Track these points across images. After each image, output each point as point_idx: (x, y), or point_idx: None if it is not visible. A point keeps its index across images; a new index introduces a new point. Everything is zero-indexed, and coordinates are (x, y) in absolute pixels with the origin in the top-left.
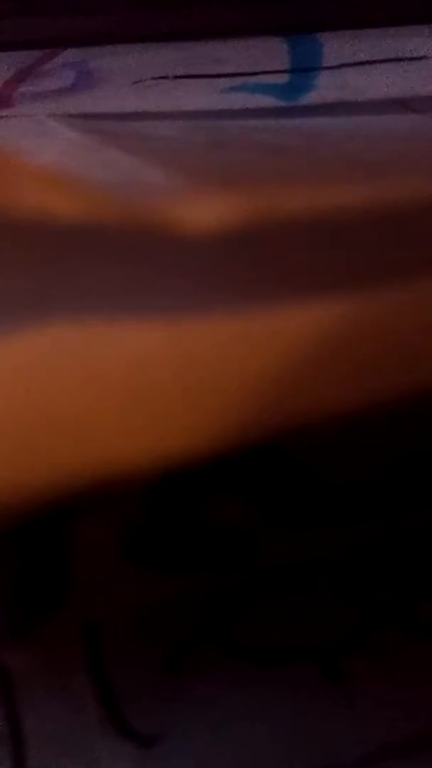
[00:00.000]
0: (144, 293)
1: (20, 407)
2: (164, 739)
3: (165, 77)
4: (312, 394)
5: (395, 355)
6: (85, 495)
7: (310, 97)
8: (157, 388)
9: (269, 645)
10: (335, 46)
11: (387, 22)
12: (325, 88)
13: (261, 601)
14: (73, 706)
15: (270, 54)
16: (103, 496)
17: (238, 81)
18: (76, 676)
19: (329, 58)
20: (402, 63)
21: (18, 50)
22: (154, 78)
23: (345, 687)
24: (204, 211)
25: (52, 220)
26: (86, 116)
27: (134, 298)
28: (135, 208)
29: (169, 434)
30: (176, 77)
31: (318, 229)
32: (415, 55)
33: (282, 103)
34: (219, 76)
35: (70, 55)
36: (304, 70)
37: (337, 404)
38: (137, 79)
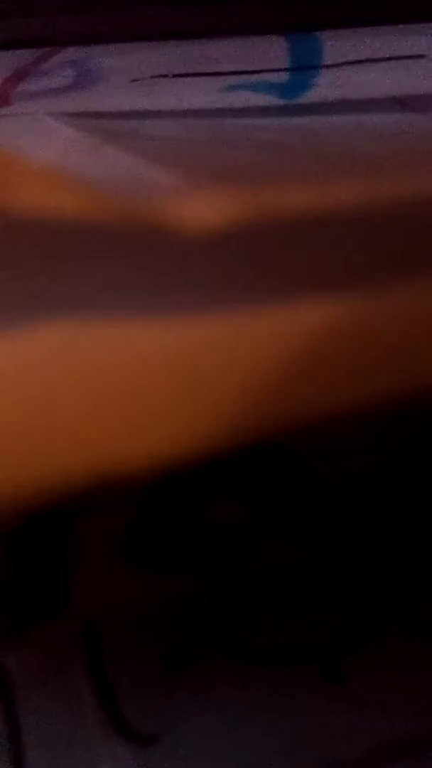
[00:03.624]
0: (144, 292)
1: (18, 406)
2: (164, 739)
3: (164, 75)
4: (312, 394)
5: (395, 354)
6: (85, 495)
7: (310, 96)
8: (156, 388)
9: (269, 645)
10: (335, 45)
11: (387, 20)
12: (325, 86)
13: (261, 601)
14: (72, 706)
15: (270, 52)
16: (102, 496)
17: (238, 79)
18: (75, 677)
19: (329, 57)
20: (402, 62)
21: (17, 49)
22: (153, 76)
23: (345, 687)
24: (204, 209)
25: (51, 218)
26: (85, 115)
27: (134, 296)
28: (134, 206)
29: (168, 434)
30: (176, 75)
31: (318, 228)
32: (414, 53)
33: (282, 102)
34: (219, 74)
35: (69, 53)
36: (304, 68)
37: (338, 404)
38: (136, 78)
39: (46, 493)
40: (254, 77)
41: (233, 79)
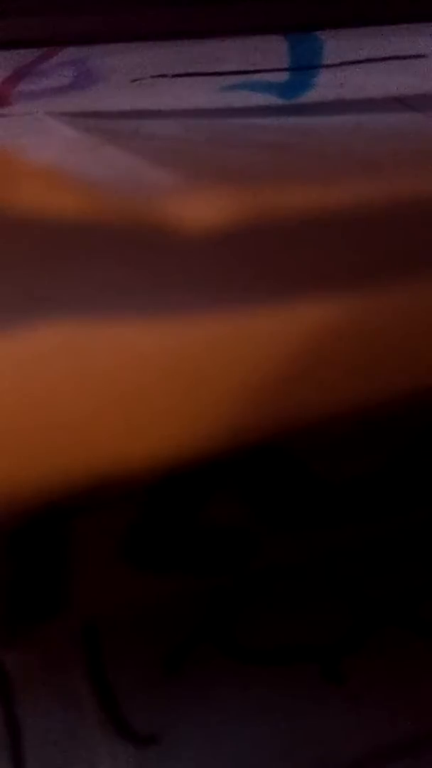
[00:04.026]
0: (143, 292)
1: (18, 406)
2: (164, 740)
3: (164, 75)
4: (312, 394)
5: (395, 354)
6: (85, 495)
7: (310, 96)
8: (156, 388)
9: (269, 645)
10: (335, 45)
11: (387, 20)
12: (325, 86)
13: (261, 600)
14: (72, 706)
15: (270, 52)
16: (102, 496)
17: (238, 79)
18: (75, 677)
19: (329, 57)
20: (402, 61)
21: (17, 49)
22: (153, 76)
23: (345, 687)
24: (203, 209)
25: (50, 218)
26: (85, 114)
27: (134, 296)
28: (134, 206)
29: (168, 434)
30: (175, 75)
31: (318, 227)
32: (414, 53)
33: (282, 102)
34: (218, 74)
35: (69, 53)
36: (304, 68)
37: (337, 404)
38: (136, 78)
39: (46, 493)
40: (254, 77)
41: (233, 79)
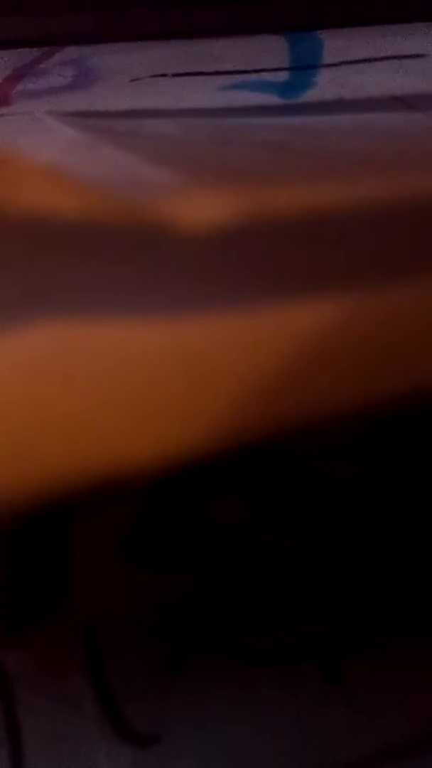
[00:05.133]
0: (143, 291)
1: (19, 406)
2: (163, 739)
3: (164, 75)
4: (312, 394)
5: (395, 354)
6: (85, 495)
7: (310, 95)
8: (156, 388)
9: (269, 645)
10: (335, 44)
11: (387, 20)
12: (325, 85)
13: (261, 601)
14: (71, 706)
15: (270, 51)
16: (103, 496)
17: (238, 78)
18: (74, 677)
19: (329, 56)
20: (401, 61)
21: (16, 48)
22: (152, 76)
23: (345, 687)
24: (203, 208)
25: (50, 218)
26: (85, 114)
27: (133, 296)
28: (134, 205)
29: (169, 434)
30: (175, 75)
31: (318, 227)
32: (414, 53)
33: (282, 101)
34: (218, 73)
35: (69, 53)
36: (304, 67)
37: (337, 404)
38: (136, 77)
39: (46, 493)
40: (254, 77)
41: (233, 79)
